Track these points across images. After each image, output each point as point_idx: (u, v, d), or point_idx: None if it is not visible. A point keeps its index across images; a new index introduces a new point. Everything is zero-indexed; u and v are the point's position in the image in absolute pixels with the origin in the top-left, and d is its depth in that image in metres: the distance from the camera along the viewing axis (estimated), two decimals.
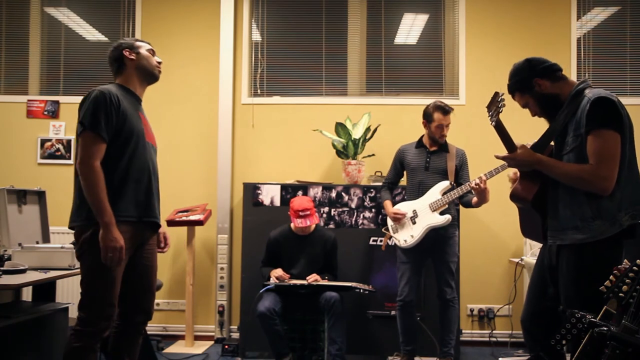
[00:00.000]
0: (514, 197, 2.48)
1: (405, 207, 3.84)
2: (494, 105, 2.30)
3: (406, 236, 3.78)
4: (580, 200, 2.20)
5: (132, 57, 2.66)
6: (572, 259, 2.22)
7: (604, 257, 2.16)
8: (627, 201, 2.17)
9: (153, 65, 2.71)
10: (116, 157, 2.49)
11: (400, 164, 3.98)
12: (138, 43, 2.71)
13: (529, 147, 2.35)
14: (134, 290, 2.60)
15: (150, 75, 2.72)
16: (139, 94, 2.72)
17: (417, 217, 3.76)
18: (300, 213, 3.85)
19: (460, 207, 3.97)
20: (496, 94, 2.28)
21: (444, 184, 3.75)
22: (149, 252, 2.67)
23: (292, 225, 4.00)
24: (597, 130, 2.16)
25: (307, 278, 3.82)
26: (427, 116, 3.84)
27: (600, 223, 2.16)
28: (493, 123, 2.30)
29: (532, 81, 2.34)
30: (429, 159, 3.85)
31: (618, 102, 2.21)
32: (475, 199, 3.63)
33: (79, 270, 2.51)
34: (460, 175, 3.85)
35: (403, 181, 4.10)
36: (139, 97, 2.72)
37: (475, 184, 3.50)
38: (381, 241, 4.07)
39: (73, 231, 2.50)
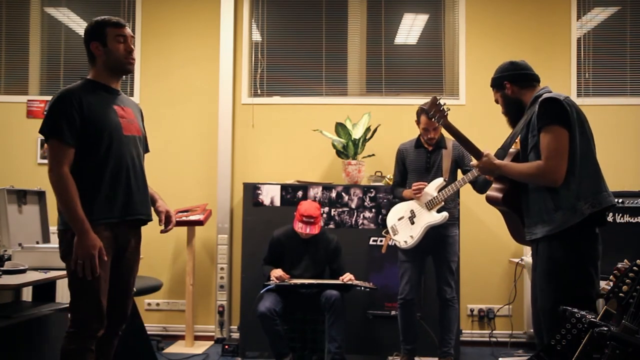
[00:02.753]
0: (488, 199, 2.67)
1: (402, 208, 3.84)
2: (433, 108, 2.63)
3: (406, 237, 3.77)
4: (544, 195, 2.37)
5: (100, 52, 2.51)
6: (544, 252, 2.37)
7: (573, 248, 2.30)
8: (586, 191, 2.32)
9: (122, 61, 2.53)
10: (88, 159, 2.42)
11: (402, 164, 3.96)
12: (109, 29, 2.52)
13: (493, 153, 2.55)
14: (111, 290, 2.51)
15: (119, 71, 2.58)
16: (113, 85, 2.58)
17: (415, 216, 3.75)
18: (304, 219, 3.84)
19: (460, 207, 3.97)
20: (434, 98, 2.63)
21: (438, 182, 3.74)
22: (131, 254, 2.60)
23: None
24: (546, 127, 2.34)
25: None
26: (417, 117, 3.84)
27: (562, 213, 2.31)
28: (439, 124, 2.67)
29: (502, 82, 2.56)
30: (429, 159, 3.84)
31: (566, 101, 2.36)
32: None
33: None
34: (464, 165, 3.82)
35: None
36: (114, 89, 2.58)
37: None
38: (381, 241, 4.06)
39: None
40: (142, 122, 2.74)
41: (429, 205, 3.71)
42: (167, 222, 2.70)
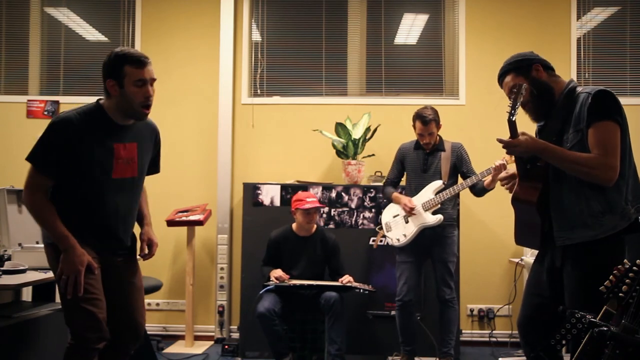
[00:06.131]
0: (515, 200, 2.42)
1: (398, 206, 3.84)
2: (517, 95, 2.25)
3: (399, 235, 3.78)
4: (586, 196, 2.17)
5: (115, 92, 2.34)
6: (580, 257, 2.18)
7: (611, 254, 2.13)
8: (633, 194, 2.17)
9: (136, 109, 2.36)
10: (71, 192, 2.35)
11: (401, 163, 3.96)
12: (128, 68, 2.31)
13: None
14: (119, 309, 2.47)
15: (131, 117, 2.42)
16: (124, 122, 2.42)
17: (410, 216, 3.75)
18: (307, 199, 3.89)
19: (460, 207, 3.97)
20: (520, 86, 2.25)
21: (437, 184, 3.74)
22: (130, 269, 2.57)
23: (293, 225, 4.00)
24: (599, 122, 2.14)
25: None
26: (413, 122, 3.82)
27: (611, 217, 2.14)
28: (513, 118, 2.24)
29: (532, 65, 2.32)
30: (427, 161, 3.84)
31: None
32: (488, 181, 3.50)
33: None
34: (464, 168, 3.82)
35: (403, 181, 4.09)
36: (121, 125, 2.42)
37: (502, 161, 3.32)
38: (381, 241, 4.07)
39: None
40: (152, 147, 2.61)
41: (425, 207, 3.71)
42: (148, 250, 2.62)
